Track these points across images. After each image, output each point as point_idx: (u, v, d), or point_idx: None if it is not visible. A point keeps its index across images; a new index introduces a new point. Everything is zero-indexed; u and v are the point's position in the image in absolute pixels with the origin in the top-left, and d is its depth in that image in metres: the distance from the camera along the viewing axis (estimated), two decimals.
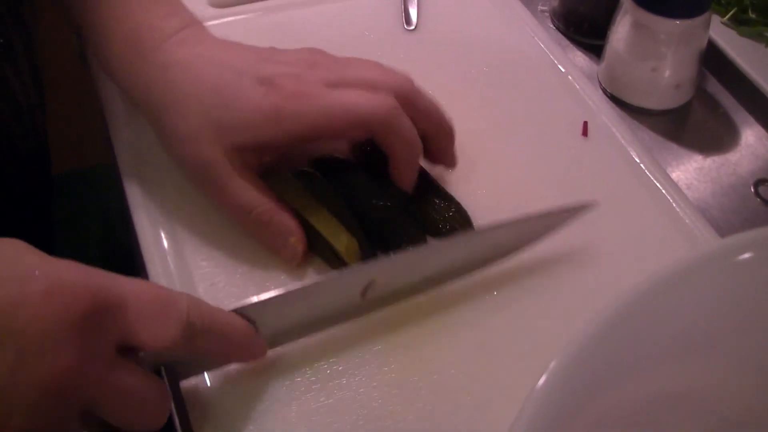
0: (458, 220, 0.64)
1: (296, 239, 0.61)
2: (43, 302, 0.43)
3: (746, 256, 0.49)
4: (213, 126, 0.59)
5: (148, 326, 0.47)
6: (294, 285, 0.54)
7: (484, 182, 0.68)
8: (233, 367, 0.56)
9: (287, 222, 0.61)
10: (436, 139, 0.64)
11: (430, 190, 0.65)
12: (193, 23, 0.65)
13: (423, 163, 0.65)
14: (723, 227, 0.68)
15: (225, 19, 0.80)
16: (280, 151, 0.62)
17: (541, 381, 0.44)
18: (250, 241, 0.63)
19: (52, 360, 0.42)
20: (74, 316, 0.43)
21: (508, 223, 0.60)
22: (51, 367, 0.42)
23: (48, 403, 0.43)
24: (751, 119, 0.78)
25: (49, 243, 0.68)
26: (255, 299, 0.53)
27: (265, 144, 0.60)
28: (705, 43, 0.75)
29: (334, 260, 0.61)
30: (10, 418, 0.42)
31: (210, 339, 0.50)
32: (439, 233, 0.63)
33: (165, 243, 0.64)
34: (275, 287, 0.55)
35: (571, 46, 0.85)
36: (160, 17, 0.64)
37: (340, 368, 0.57)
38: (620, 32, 0.75)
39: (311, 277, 0.61)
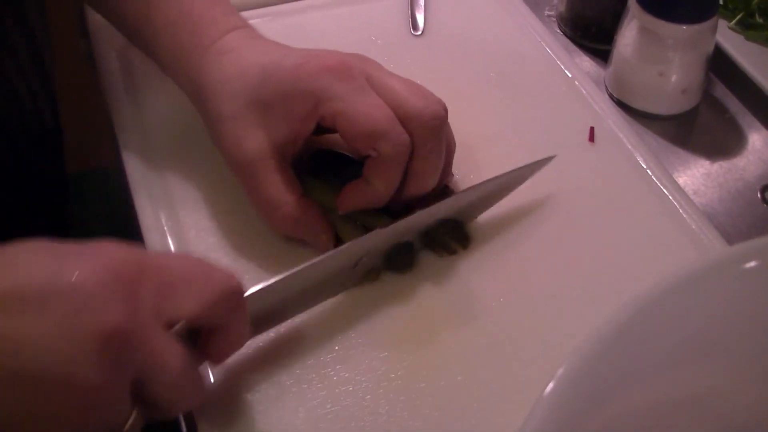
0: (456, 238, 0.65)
1: (327, 237, 0.62)
2: (91, 263, 0.44)
3: (752, 264, 0.49)
4: (255, 105, 0.60)
5: (187, 294, 0.48)
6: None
7: None
8: (240, 373, 0.56)
9: (317, 220, 0.62)
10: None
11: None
12: (248, 24, 0.68)
13: None
14: (730, 233, 0.68)
15: None
16: (308, 133, 0.62)
17: (549, 388, 0.44)
18: (259, 244, 0.63)
19: (105, 315, 0.43)
20: (120, 276, 0.44)
21: (478, 185, 0.64)
22: (105, 322, 0.43)
23: (109, 358, 0.43)
24: (758, 124, 0.78)
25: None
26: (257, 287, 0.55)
27: (300, 116, 0.60)
28: (712, 47, 0.75)
29: None
30: (80, 373, 0.42)
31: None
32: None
33: (171, 246, 0.64)
34: None
35: (578, 50, 0.85)
36: (221, 13, 0.66)
37: (347, 375, 0.57)
38: (627, 37, 0.75)
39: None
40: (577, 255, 0.64)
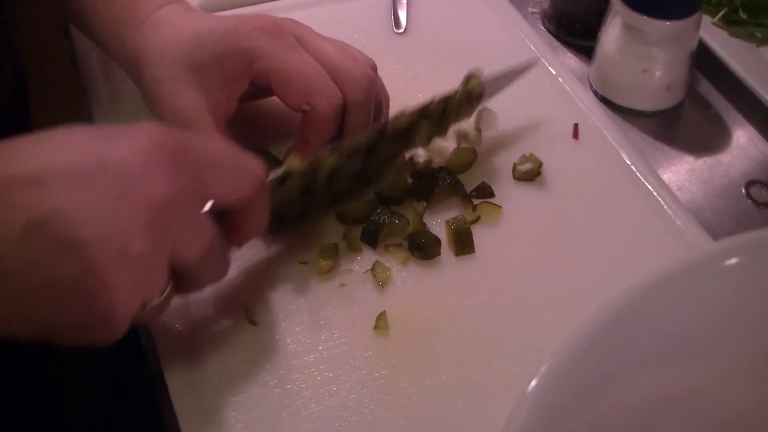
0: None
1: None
2: (136, 141, 0.47)
3: (736, 260, 0.49)
4: (190, 67, 0.62)
5: (219, 175, 0.51)
6: None
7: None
8: (224, 375, 0.56)
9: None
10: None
11: None
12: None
13: None
14: (715, 228, 0.68)
15: None
16: (242, 92, 0.64)
17: (532, 385, 0.43)
18: None
19: (153, 188, 0.46)
20: (163, 153, 0.47)
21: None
22: (153, 194, 0.46)
23: (156, 228, 0.46)
24: (743, 120, 0.78)
25: None
26: None
27: (234, 75, 0.63)
28: (696, 44, 0.75)
29: None
30: (131, 239, 0.45)
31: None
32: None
33: None
34: None
35: (562, 47, 0.85)
36: None
37: (330, 375, 0.57)
38: (611, 34, 0.75)
39: None
40: (562, 252, 0.64)
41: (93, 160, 0.46)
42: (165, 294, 0.50)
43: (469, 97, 0.68)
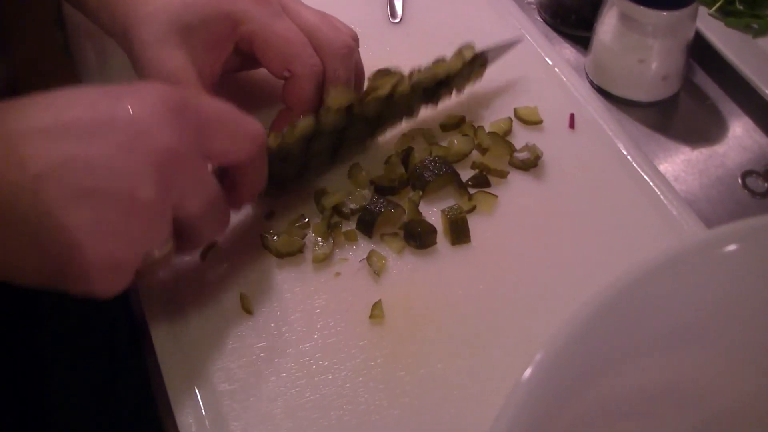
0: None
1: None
2: (143, 96, 0.50)
3: (732, 247, 0.48)
4: (177, 30, 0.63)
5: (221, 133, 0.54)
6: None
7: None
8: (219, 364, 0.56)
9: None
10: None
11: None
12: None
13: None
14: (711, 219, 0.68)
15: None
16: (227, 56, 0.66)
17: (527, 373, 0.43)
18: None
19: (160, 139, 0.49)
20: (169, 108, 0.50)
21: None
22: (160, 144, 0.49)
23: (162, 176, 0.49)
24: (739, 111, 0.78)
25: None
26: None
27: (220, 38, 0.64)
28: (692, 34, 0.74)
29: None
30: (140, 187, 0.48)
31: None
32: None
33: None
34: None
35: (558, 38, 0.85)
36: None
37: (326, 363, 0.56)
38: (607, 24, 0.75)
39: None
40: (558, 242, 0.64)
41: (102, 114, 0.48)
42: (167, 249, 0.52)
43: (465, 67, 0.70)
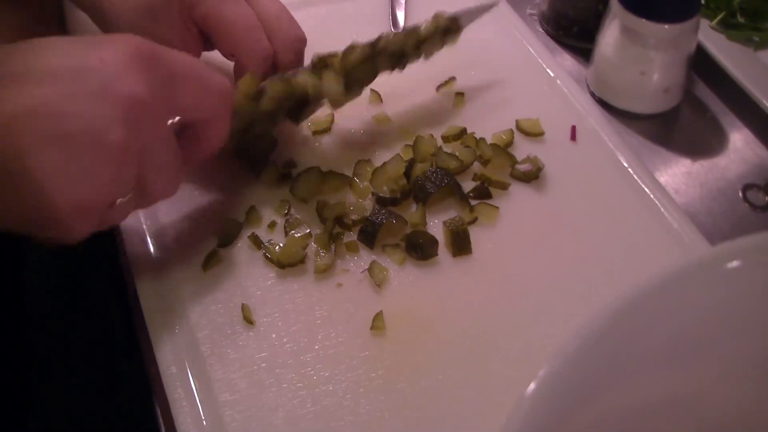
0: None
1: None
2: (113, 45, 0.51)
3: (735, 264, 0.48)
4: (145, 11, 0.64)
5: (188, 87, 0.55)
6: None
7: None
8: (221, 373, 0.56)
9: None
10: None
11: None
12: None
13: None
14: (711, 232, 0.68)
15: None
16: (194, 41, 0.67)
17: (530, 388, 0.43)
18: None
19: (128, 86, 0.50)
20: (141, 56, 0.51)
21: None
22: (128, 91, 0.50)
23: (130, 122, 0.50)
24: (740, 123, 0.78)
25: None
26: None
27: (180, 20, 0.65)
28: (694, 47, 0.75)
29: None
30: (109, 131, 0.49)
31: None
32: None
33: (143, 223, 0.65)
34: None
35: (560, 49, 0.85)
36: None
37: (327, 374, 0.56)
38: (609, 36, 0.75)
39: None
40: (558, 254, 0.64)
41: (74, 61, 0.50)
42: (128, 197, 0.53)
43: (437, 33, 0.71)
